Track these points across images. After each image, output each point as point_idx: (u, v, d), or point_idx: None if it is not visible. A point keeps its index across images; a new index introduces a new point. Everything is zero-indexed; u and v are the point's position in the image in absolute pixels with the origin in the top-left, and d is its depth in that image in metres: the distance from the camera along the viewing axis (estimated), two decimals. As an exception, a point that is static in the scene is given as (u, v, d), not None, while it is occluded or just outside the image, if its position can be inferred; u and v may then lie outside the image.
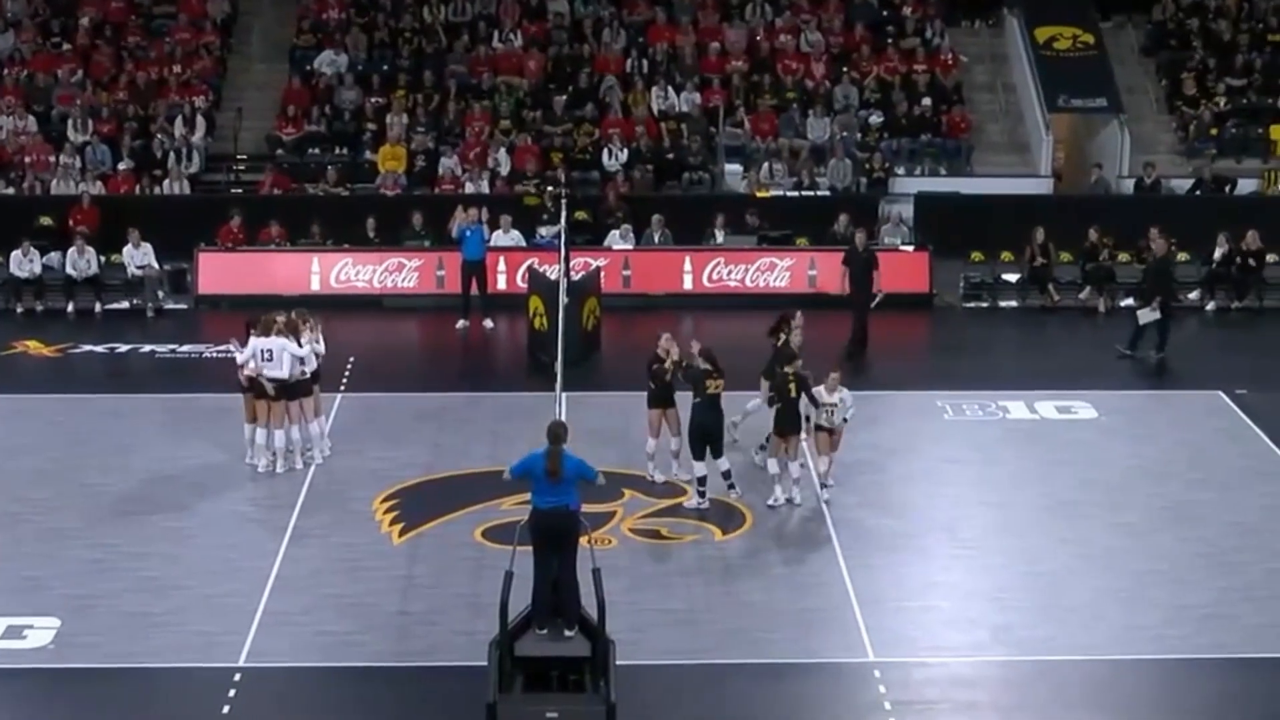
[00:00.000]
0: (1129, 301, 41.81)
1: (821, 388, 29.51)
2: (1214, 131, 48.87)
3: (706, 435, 29.63)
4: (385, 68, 49.27)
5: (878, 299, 38.36)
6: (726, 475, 29.98)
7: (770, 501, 29.76)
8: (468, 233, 41.26)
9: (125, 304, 40.79)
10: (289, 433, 31.56)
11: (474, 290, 40.61)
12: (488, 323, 40.64)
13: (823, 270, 41.46)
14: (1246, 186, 47.39)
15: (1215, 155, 48.06)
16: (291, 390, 31.22)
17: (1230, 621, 26.52)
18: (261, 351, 30.38)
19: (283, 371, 30.25)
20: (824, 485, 29.91)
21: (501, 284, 42.22)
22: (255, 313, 31.92)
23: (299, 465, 31.70)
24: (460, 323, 40.48)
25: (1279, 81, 49.88)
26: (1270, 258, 43.56)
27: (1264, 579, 27.94)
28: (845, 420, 29.88)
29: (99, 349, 34.45)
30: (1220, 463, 32.86)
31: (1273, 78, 50.07)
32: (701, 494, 29.74)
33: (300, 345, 31.06)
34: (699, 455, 29.62)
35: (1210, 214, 45.28)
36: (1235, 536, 29.53)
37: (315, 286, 40.46)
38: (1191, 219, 44.85)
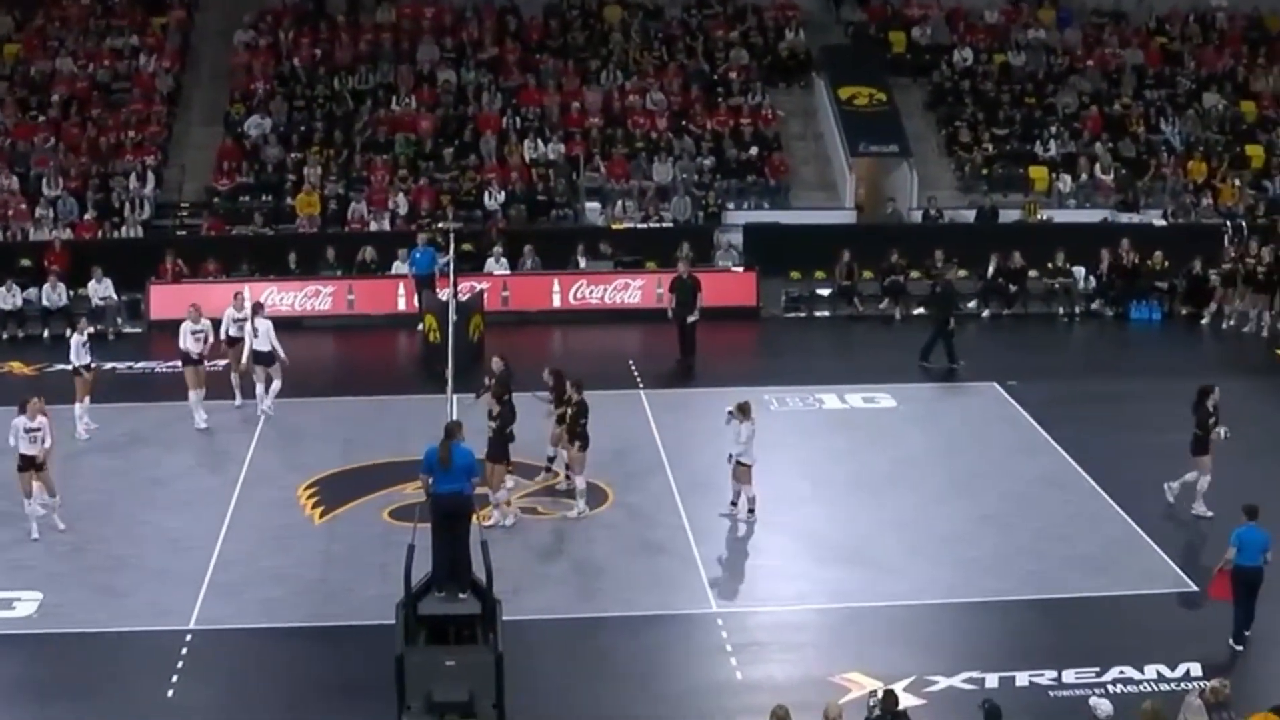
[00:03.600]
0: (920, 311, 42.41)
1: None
2: (984, 171, 49.07)
3: None
4: (303, 128, 48.77)
5: (694, 319, 38.35)
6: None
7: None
8: (417, 254, 41.33)
9: (90, 329, 40.19)
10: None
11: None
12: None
13: (669, 289, 41.25)
14: (1011, 215, 47.61)
15: (986, 191, 48.26)
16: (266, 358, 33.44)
17: (1007, 571, 26.74)
18: (26, 431, 28.18)
19: (40, 449, 28.12)
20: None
21: (402, 305, 41.95)
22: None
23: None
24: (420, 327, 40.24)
25: (1034, 132, 50.18)
26: (1032, 273, 43.78)
27: (1032, 537, 28.18)
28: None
29: (69, 368, 34.01)
30: (996, 442, 33.06)
31: (1029, 129, 50.35)
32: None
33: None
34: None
35: (983, 238, 45.45)
36: (1009, 502, 29.74)
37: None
38: (968, 242, 45.04)
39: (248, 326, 34.09)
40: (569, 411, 28.95)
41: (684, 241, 43.27)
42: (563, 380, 29.71)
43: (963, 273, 43.72)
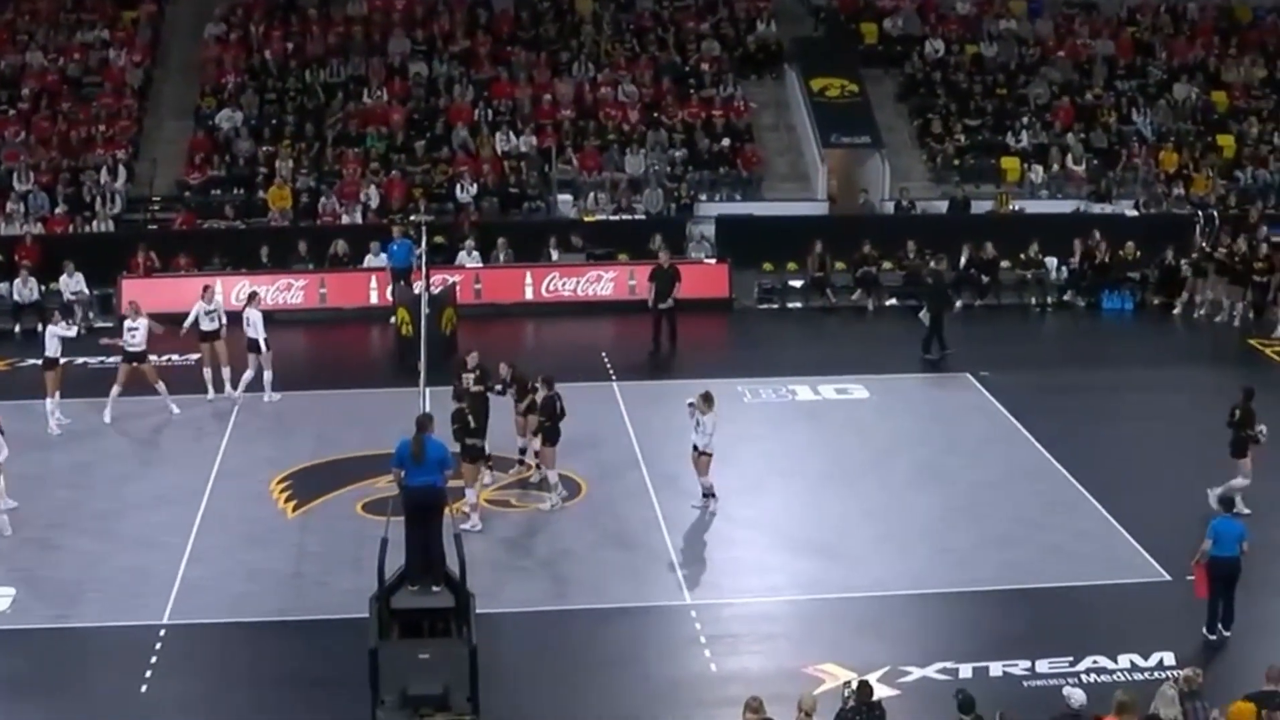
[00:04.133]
0: (892, 302, 42.72)
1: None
2: (956, 162, 49.12)
3: None
4: (274, 122, 48.67)
5: (665, 305, 38.60)
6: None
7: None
8: (394, 247, 41.50)
9: (64, 322, 40.08)
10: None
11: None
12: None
13: (641, 280, 41.37)
14: (983, 206, 47.70)
15: (958, 182, 48.31)
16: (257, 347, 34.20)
17: (980, 562, 26.80)
18: None
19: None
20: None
21: (374, 299, 41.96)
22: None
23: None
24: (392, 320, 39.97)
25: (1006, 122, 50.26)
26: (1004, 264, 43.92)
27: (1005, 527, 28.24)
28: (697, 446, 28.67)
29: (40, 363, 33.96)
30: (969, 433, 33.12)
31: (1001, 119, 50.43)
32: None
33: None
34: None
35: (955, 229, 45.52)
36: (982, 492, 29.81)
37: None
38: (941, 233, 45.06)
39: (252, 315, 34.37)
40: (535, 405, 29.02)
41: (656, 233, 43.27)
42: (520, 375, 29.75)
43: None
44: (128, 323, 33.68)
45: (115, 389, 33.43)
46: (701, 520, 28.42)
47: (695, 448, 28.41)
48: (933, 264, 41.05)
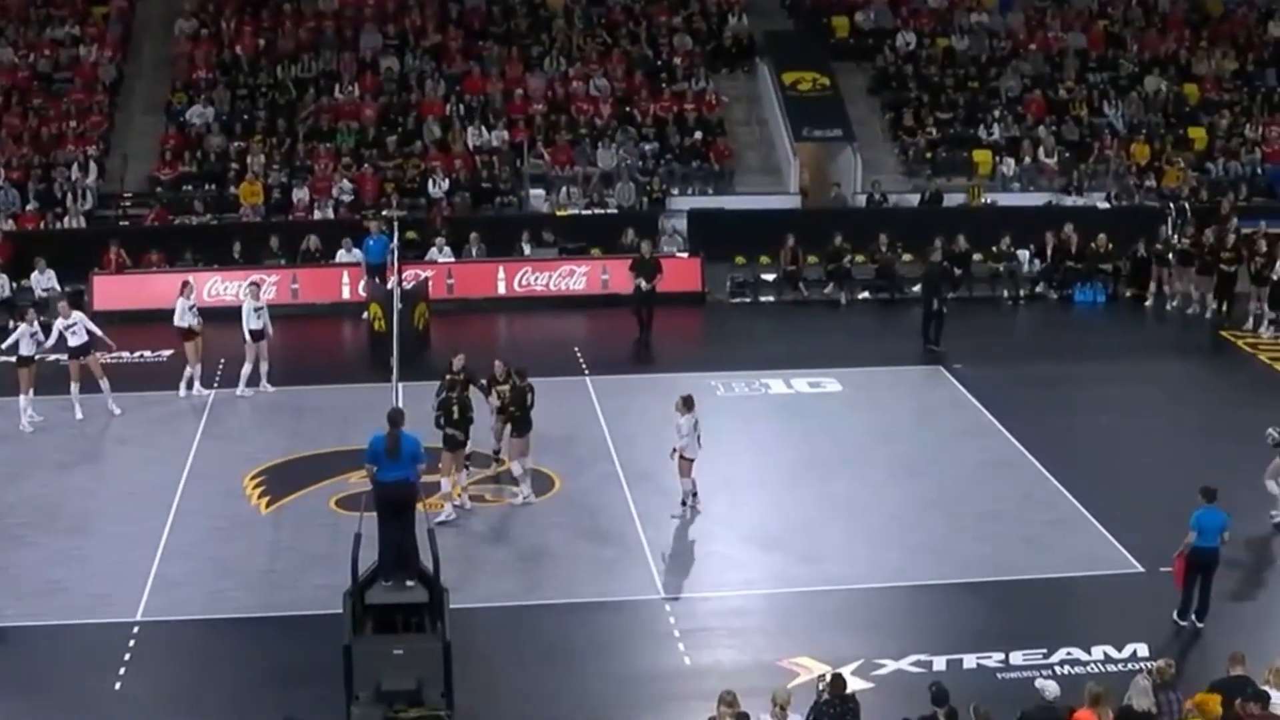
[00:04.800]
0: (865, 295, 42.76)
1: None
2: (928, 155, 49.17)
3: None
4: (245, 117, 48.57)
5: (648, 287, 38.78)
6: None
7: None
8: (370, 242, 41.52)
9: (38, 320, 39.91)
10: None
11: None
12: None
13: (614, 274, 41.44)
14: (955, 199, 47.71)
15: (930, 175, 48.36)
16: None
17: (953, 554, 26.83)
18: None
19: None
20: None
21: (346, 294, 41.93)
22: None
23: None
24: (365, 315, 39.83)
25: (978, 116, 50.31)
26: (976, 257, 43.96)
27: (978, 519, 28.26)
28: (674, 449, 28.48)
29: (13, 359, 33.84)
30: (941, 426, 33.15)
31: (973, 113, 50.46)
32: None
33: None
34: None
35: (927, 222, 45.51)
36: (955, 485, 29.86)
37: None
38: (913, 227, 45.12)
39: (247, 306, 34.60)
40: (505, 397, 29.06)
41: (629, 228, 43.31)
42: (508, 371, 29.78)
43: (907, 256, 43.81)
44: (60, 322, 33.36)
45: (74, 386, 33.37)
46: (675, 516, 28.39)
47: (673, 450, 28.36)
48: (933, 256, 40.95)
